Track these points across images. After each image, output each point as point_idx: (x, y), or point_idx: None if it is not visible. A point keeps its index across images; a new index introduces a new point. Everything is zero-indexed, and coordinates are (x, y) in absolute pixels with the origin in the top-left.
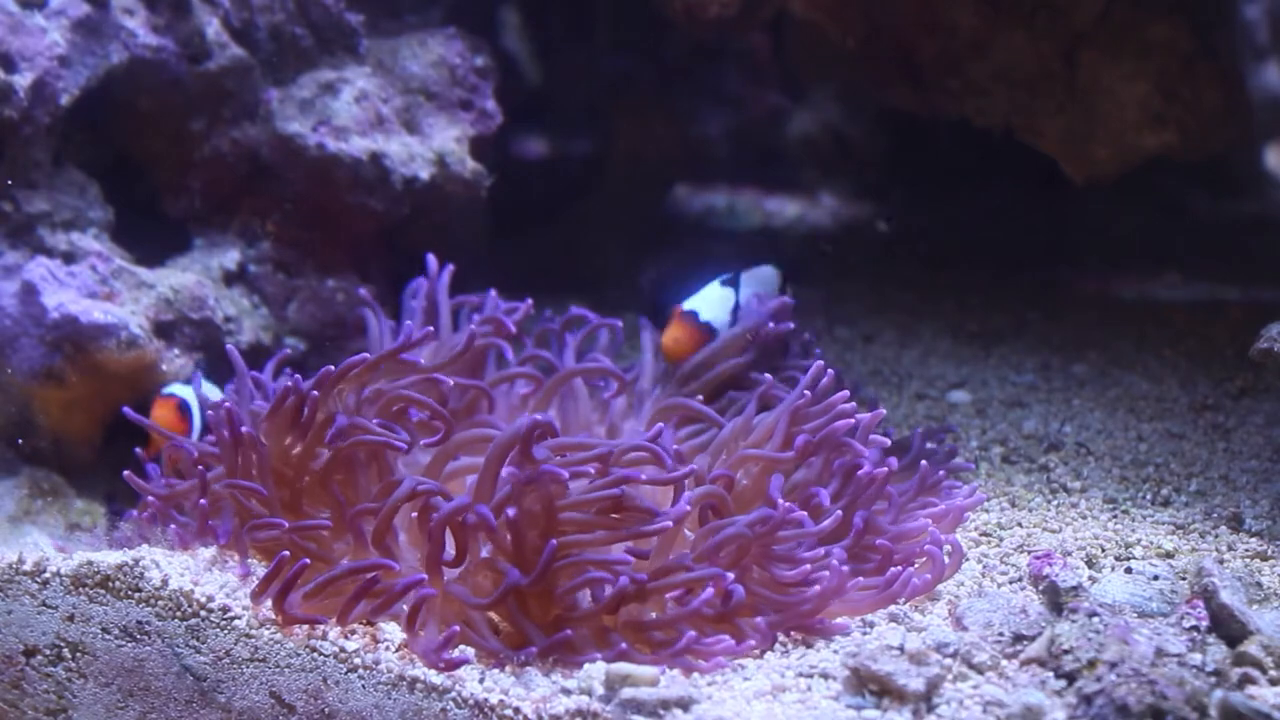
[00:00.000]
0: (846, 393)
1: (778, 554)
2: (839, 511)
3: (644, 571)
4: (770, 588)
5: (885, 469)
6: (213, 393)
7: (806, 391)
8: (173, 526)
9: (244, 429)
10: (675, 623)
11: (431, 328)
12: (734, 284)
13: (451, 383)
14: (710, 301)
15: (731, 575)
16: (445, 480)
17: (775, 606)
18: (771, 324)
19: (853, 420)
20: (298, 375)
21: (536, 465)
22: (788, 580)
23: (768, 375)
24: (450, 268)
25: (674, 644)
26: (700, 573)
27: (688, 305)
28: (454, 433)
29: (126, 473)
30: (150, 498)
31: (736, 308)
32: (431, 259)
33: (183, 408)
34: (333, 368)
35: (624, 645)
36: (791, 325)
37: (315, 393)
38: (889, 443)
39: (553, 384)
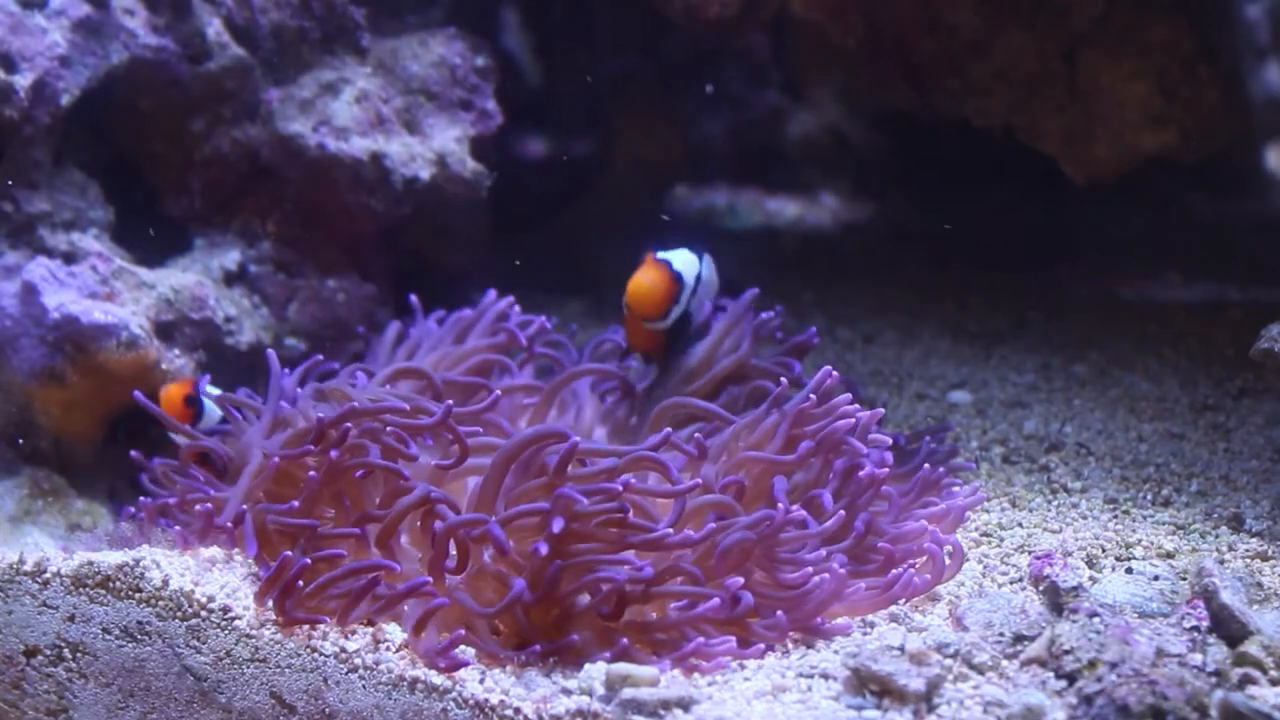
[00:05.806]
0: (849, 394)
1: (781, 556)
2: (842, 512)
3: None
4: (771, 589)
5: (885, 469)
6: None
7: (811, 395)
8: (176, 527)
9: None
10: (679, 625)
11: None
12: (699, 255)
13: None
14: (681, 259)
15: (740, 580)
16: (449, 479)
17: (776, 607)
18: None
19: (853, 420)
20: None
21: (563, 481)
22: (789, 582)
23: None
24: (510, 299)
25: (678, 646)
26: (706, 588)
27: (661, 255)
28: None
29: (157, 459)
30: (167, 498)
31: (699, 278)
32: (491, 293)
33: (189, 400)
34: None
35: (624, 641)
36: (773, 315)
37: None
38: (890, 441)
39: (556, 385)
